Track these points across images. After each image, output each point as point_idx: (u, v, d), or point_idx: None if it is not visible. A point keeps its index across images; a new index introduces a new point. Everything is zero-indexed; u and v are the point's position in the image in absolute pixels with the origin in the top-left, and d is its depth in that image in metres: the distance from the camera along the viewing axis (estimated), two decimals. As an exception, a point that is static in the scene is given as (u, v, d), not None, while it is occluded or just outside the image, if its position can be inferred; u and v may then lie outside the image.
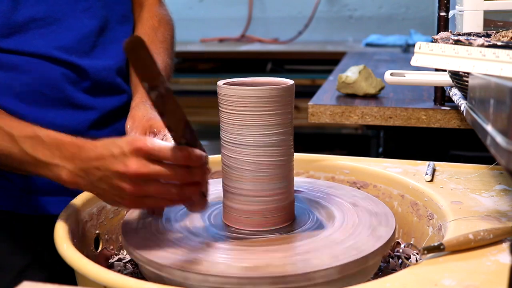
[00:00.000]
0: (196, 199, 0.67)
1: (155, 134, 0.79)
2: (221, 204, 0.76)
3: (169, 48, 1.02)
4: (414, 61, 0.69)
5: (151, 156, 0.63)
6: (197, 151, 0.64)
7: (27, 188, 0.91)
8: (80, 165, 0.66)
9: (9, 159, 0.72)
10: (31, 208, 0.92)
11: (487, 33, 0.91)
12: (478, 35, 0.90)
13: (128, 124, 0.84)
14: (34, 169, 0.71)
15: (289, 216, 0.73)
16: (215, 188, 0.85)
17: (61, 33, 0.90)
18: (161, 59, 0.98)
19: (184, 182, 0.65)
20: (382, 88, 1.32)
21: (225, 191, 0.73)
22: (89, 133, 0.93)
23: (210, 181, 0.90)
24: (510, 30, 0.87)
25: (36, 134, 0.70)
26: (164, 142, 0.64)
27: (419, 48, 0.69)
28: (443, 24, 1.12)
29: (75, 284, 0.67)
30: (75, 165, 0.67)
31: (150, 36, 1.01)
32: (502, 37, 0.87)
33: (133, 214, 0.76)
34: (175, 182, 0.64)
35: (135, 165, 0.62)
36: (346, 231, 0.69)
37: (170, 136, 0.71)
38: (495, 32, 0.90)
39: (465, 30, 1.04)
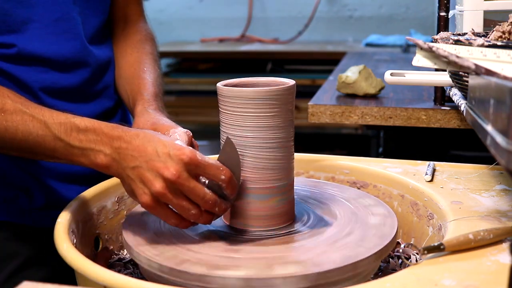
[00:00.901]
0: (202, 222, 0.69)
1: None
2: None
3: (157, 59, 1.04)
4: (415, 61, 0.69)
5: (195, 170, 0.64)
6: (235, 180, 0.67)
7: (33, 203, 0.92)
8: (118, 151, 0.67)
9: (41, 147, 0.71)
10: (35, 221, 0.92)
11: (486, 33, 0.91)
12: (478, 35, 0.90)
13: None
14: (66, 156, 0.71)
15: (289, 215, 0.73)
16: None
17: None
18: (152, 68, 0.99)
19: (207, 209, 0.66)
20: (382, 88, 1.32)
21: None
22: None
23: None
24: (507, 22, 0.87)
25: (70, 120, 0.70)
26: (209, 158, 0.66)
27: (421, 49, 0.69)
28: (443, 24, 1.12)
29: (75, 284, 0.67)
30: (112, 149, 0.67)
31: (139, 49, 1.02)
32: (500, 31, 0.86)
33: (133, 214, 0.76)
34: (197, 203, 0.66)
35: (177, 172, 0.63)
36: (348, 230, 0.69)
37: (176, 136, 0.73)
38: (493, 27, 0.90)
39: (465, 30, 1.04)
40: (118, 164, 0.67)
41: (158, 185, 0.64)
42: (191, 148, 0.66)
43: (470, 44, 0.72)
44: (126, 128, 0.69)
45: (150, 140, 0.66)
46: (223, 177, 0.65)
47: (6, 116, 0.71)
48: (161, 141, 0.66)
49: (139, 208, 0.78)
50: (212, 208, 0.66)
